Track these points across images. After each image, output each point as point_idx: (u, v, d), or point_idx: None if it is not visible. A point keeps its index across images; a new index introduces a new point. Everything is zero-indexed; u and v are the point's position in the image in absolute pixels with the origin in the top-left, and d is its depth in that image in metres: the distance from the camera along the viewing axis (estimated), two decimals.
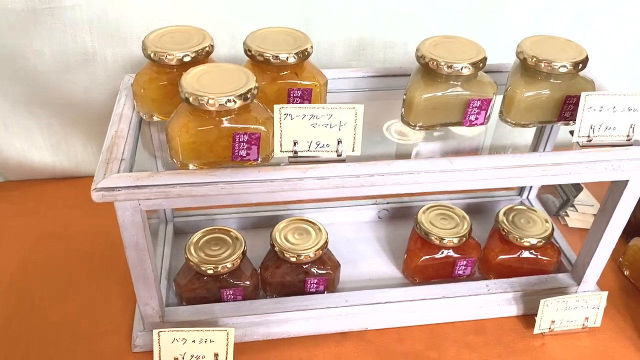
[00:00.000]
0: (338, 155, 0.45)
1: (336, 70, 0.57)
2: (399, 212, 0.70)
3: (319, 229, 0.59)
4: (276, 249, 0.57)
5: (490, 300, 0.58)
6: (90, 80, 0.66)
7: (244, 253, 0.56)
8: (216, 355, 0.52)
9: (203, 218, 0.67)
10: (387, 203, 0.69)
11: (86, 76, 0.66)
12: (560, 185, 0.71)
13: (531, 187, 0.71)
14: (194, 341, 0.52)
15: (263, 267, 0.59)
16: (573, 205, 0.72)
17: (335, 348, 0.56)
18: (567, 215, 0.72)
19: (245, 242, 0.57)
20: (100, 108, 0.68)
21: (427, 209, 0.61)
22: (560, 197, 0.71)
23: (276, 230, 0.59)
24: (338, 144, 0.44)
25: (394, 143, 0.64)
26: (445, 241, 0.57)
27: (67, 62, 0.64)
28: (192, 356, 0.52)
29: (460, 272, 0.59)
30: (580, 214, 0.72)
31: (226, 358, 0.53)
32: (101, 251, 0.65)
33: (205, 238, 0.58)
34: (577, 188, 0.70)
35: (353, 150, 0.45)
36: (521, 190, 0.72)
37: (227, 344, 0.52)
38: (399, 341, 0.57)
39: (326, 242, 0.58)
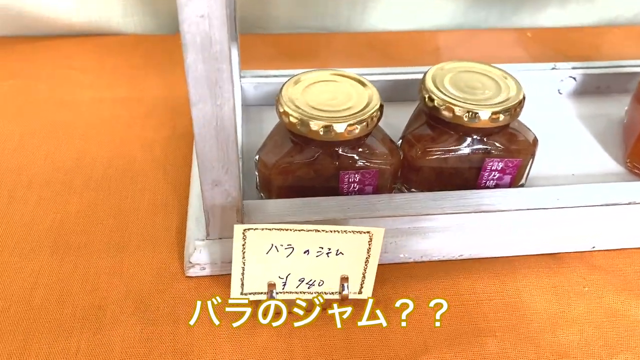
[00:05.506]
0: None
1: None
2: (592, 82, 0.44)
3: (504, 77, 0.34)
4: (435, 102, 0.32)
5: None
6: None
7: (380, 110, 0.32)
8: (344, 279, 0.28)
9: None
10: (574, 69, 0.44)
11: None
12: None
13: None
14: (306, 252, 0.27)
15: (406, 141, 0.34)
16: None
17: (547, 278, 0.32)
18: None
19: (380, 98, 0.32)
20: None
21: None
22: None
23: (433, 75, 0.34)
24: None
25: None
26: None
27: None
28: (300, 280, 0.28)
29: None
30: None
31: (362, 285, 0.29)
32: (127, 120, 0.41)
33: (311, 83, 0.33)
34: None
35: None
36: None
37: (368, 259, 0.28)
38: None
39: (523, 98, 0.33)
